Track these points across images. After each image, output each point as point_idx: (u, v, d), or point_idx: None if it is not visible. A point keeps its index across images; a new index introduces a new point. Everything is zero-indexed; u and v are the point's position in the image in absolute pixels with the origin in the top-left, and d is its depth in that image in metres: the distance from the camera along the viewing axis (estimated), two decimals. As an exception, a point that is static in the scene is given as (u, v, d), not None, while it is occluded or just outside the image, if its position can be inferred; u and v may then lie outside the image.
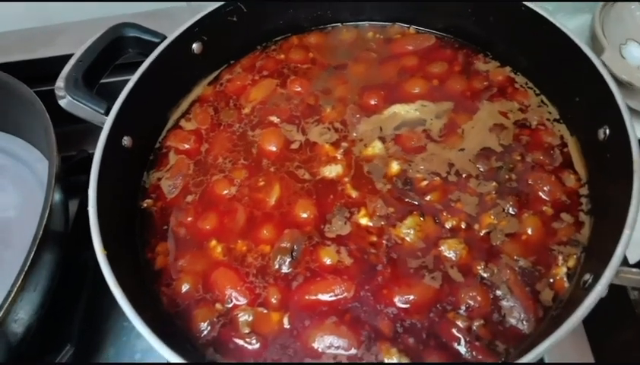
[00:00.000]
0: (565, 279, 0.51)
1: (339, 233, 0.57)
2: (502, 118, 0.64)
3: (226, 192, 0.62)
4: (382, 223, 0.57)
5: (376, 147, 0.63)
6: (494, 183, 0.58)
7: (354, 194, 0.60)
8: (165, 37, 0.67)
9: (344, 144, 0.65)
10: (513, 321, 0.49)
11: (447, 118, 0.65)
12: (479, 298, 0.50)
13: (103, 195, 0.55)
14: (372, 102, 0.68)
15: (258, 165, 0.64)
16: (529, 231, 0.54)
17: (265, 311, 0.53)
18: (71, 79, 0.61)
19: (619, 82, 0.84)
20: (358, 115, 0.67)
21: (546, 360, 0.66)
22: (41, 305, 0.61)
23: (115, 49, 0.67)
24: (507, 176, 0.58)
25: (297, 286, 0.54)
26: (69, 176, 0.73)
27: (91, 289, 0.73)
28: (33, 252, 0.57)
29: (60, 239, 0.65)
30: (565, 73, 0.61)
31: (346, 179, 0.61)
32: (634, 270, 0.44)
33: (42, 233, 0.58)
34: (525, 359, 0.40)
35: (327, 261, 0.55)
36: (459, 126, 0.64)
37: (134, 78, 0.63)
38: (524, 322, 0.49)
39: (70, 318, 0.70)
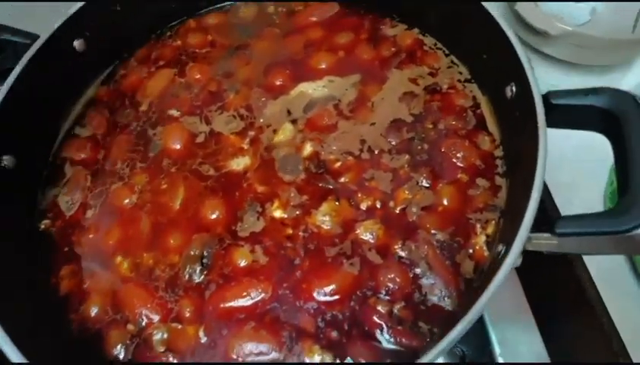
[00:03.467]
0: (484, 248, 0.49)
1: (252, 230, 0.53)
2: (412, 85, 0.60)
3: (126, 201, 0.57)
4: (297, 212, 0.54)
5: (287, 130, 0.59)
6: (407, 156, 0.55)
7: (263, 187, 0.56)
8: (37, 37, 0.60)
9: (251, 133, 0.60)
10: (435, 299, 0.47)
11: (356, 91, 0.61)
12: (398, 279, 0.48)
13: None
14: (278, 82, 0.64)
15: (159, 166, 0.59)
16: (445, 202, 0.52)
17: (180, 326, 0.49)
18: None
19: (536, 30, 0.84)
20: (264, 99, 0.62)
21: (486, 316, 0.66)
22: None
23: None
24: (419, 147, 0.55)
25: (211, 295, 0.50)
26: None
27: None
28: None
29: None
30: (470, 29, 0.58)
31: (254, 171, 0.57)
32: (545, 235, 0.42)
33: None
34: (441, 346, 0.38)
35: (242, 262, 0.51)
36: (369, 99, 0.60)
37: (3, 89, 0.56)
38: (446, 299, 0.47)
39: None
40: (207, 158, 0.59)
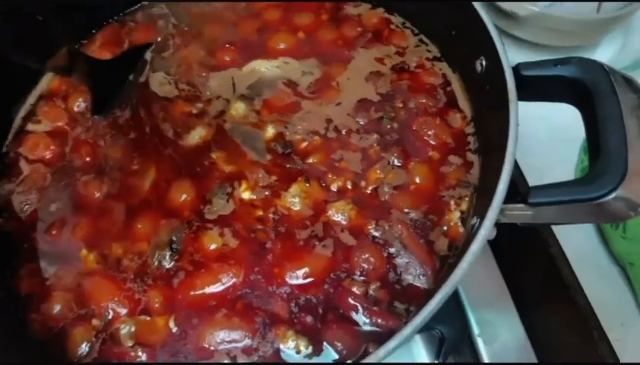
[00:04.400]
0: (459, 224, 0.49)
1: (221, 213, 0.52)
2: (379, 64, 0.60)
3: (97, 193, 0.55)
4: (266, 193, 0.52)
5: (239, 108, 0.58)
6: (376, 136, 0.54)
7: (230, 167, 0.54)
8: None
9: (199, 105, 0.59)
10: (410, 278, 0.47)
11: (320, 72, 0.60)
12: (372, 259, 0.47)
13: None
14: (227, 58, 0.62)
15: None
16: (417, 180, 0.51)
17: (148, 318, 0.47)
18: None
19: (505, 13, 0.84)
20: (204, 73, 0.61)
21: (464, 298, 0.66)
22: None
23: None
24: (389, 126, 0.55)
25: (180, 283, 0.48)
26: None
27: None
28: None
29: None
30: (439, 6, 0.58)
31: (216, 151, 0.55)
32: (518, 205, 0.42)
33: None
34: (416, 320, 0.37)
35: (212, 246, 0.50)
36: (334, 79, 0.59)
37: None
38: (422, 277, 0.46)
39: None
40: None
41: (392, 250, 0.48)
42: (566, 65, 0.46)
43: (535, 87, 0.47)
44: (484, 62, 0.51)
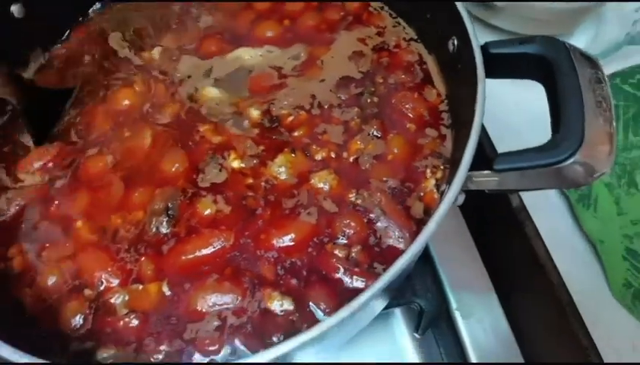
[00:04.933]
0: (434, 190, 0.52)
1: (214, 181, 0.54)
2: (361, 45, 0.63)
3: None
4: (255, 162, 0.55)
5: (212, 92, 0.61)
6: (356, 109, 0.57)
7: (218, 138, 0.57)
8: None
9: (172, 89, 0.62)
10: (390, 240, 0.50)
11: (306, 55, 0.63)
12: (353, 224, 0.50)
13: None
14: (213, 48, 0.65)
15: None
16: (395, 150, 0.54)
17: (141, 286, 0.50)
18: None
19: (483, 3, 0.88)
20: (174, 57, 0.64)
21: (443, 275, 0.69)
22: None
23: None
24: (369, 100, 0.58)
25: (171, 249, 0.51)
26: None
27: None
28: None
29: None
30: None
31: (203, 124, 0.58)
32: (485, 172, 0.45)
33: None
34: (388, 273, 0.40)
35: (206, 212, 0.52)
36: (318, 58, 0.62)
37: None
38: (400, 240, 0.50)
39: None
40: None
41: (372, 216, 0.51)
42: (531, 43, 0.49)
43: (502, 65, 0.50)
44: (456, 42, 0.54)
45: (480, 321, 0.69)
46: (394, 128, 0.56)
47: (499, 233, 0.72)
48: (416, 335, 0.69)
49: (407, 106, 0.57)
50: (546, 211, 0.77)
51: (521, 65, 0.50)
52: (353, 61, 0.61)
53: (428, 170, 0.53)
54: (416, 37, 0.64)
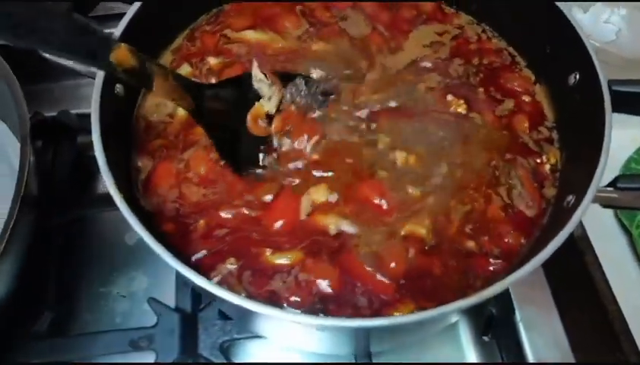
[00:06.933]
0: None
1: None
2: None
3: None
4: None
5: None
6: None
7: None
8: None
9: None
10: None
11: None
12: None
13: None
14: None
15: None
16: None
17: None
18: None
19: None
20: None
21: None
22: (17, 274, 0.60)
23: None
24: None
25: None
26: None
27: (62, 256, 0.72)
28: (14, 217, 0.55)
29: (34, 204, 0.63)
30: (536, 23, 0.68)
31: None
32: (608, 189, 0.51)
33: (21, 198, 0.56)
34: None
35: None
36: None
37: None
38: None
39: (45, 286, 0.69)
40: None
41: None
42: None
43: (624, 102, 0.56)
44: (577, 76, 0.61)
45: (542, 335, 0.72)
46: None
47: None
48: (486, 339, 0.73)
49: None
50: (607, 241, 0.81)
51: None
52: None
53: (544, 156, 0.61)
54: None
